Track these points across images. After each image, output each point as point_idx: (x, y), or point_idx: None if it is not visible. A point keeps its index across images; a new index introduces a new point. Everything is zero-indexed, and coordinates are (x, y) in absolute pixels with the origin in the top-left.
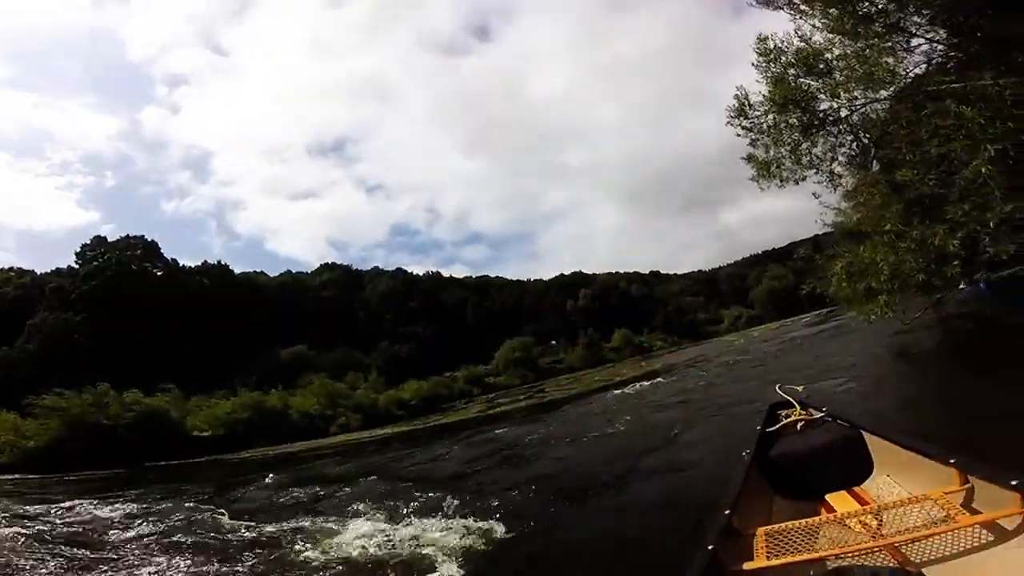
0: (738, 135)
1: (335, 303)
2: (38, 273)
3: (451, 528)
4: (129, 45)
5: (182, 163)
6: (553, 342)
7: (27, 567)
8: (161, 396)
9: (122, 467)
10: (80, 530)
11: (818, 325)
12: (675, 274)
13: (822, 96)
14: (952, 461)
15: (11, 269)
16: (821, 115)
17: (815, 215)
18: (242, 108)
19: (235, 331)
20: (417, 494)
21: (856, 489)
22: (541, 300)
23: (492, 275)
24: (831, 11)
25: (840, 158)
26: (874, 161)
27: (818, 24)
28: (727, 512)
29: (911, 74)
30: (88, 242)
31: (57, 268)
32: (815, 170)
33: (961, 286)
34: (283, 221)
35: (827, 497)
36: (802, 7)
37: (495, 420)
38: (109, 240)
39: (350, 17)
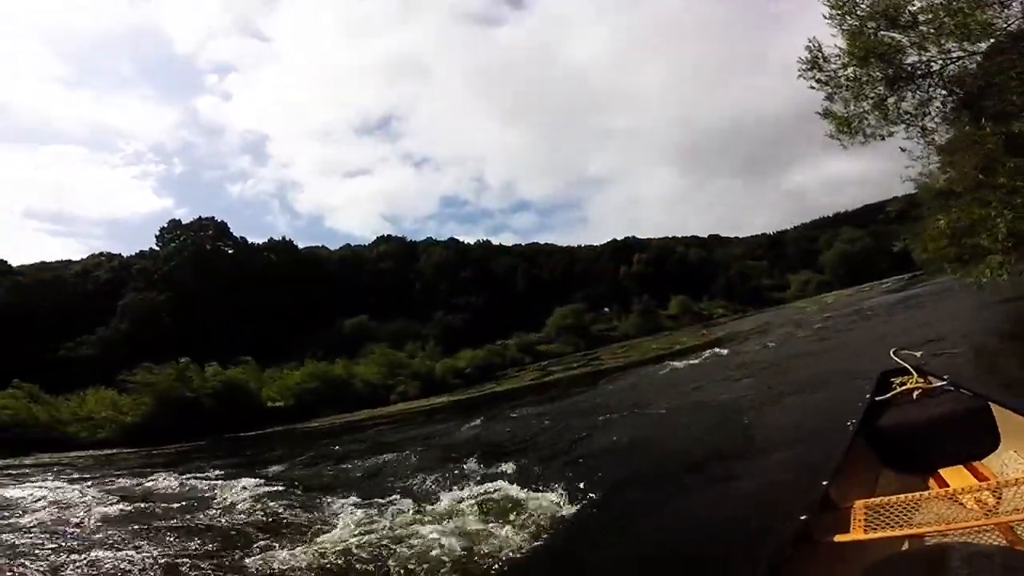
0: (811, 87)
1: (392, 274)
2: (124, 256)
3: (507, 502)
4: (172, 38)
5: (241, 148)
6: (606, 309)
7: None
8: (238, 368)
9: (204, 439)
10: (150, 504)
11: (904, 291)
12: (736, 237)
13: (909, 49)
14: None
15: (101, 254)
16: (909, 68)
17: (895, 176)
18: (289, 92)
19: (301, 304)
20: (474, 464)
21: (976, 464)
22: (592, 266)
23: (542, 242)
24: None
25: (932, 113)
26: (974, 116)
27: None
28: (824, 484)
29: (1011, 27)
30: (165, 225)
31: (141, 251)
32: (904, 125)
33: None
34: (339, 198)
35: (942, 471)
36: None
37: (549, 388)
38: (184, 223)
39: None
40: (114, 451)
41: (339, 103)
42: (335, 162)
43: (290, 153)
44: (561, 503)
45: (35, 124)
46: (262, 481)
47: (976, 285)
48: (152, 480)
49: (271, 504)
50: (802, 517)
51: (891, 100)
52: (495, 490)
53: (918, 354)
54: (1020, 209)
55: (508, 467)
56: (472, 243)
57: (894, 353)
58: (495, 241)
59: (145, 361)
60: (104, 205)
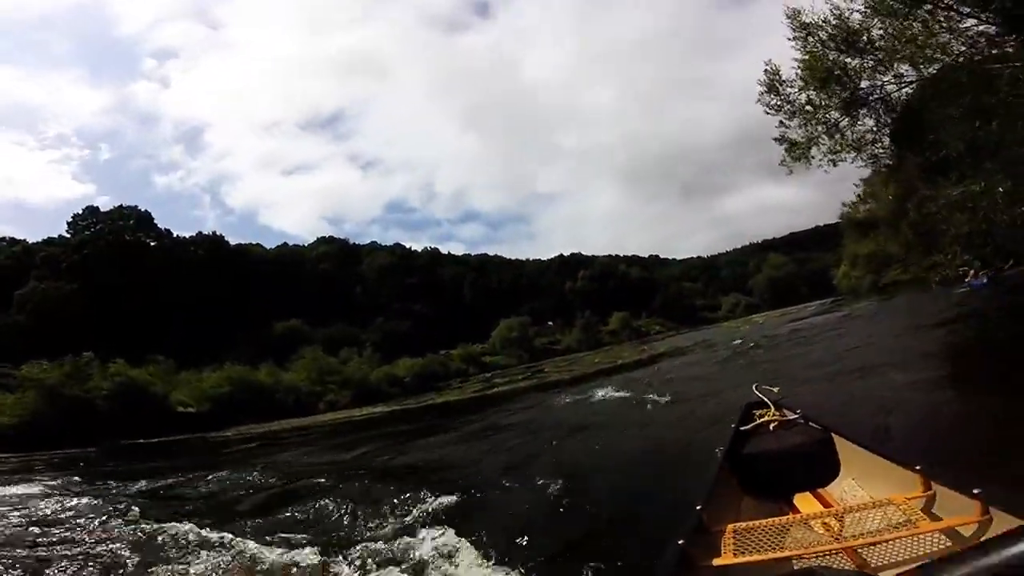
0: (767, 113)
1: (332, 277)
2: (29, 242)
3: (430, 535)
4: (118, 17)
5: (174, 137)
6: (549, 323)
7: None
8: (147, 368)
9: (96, 445)
10: None
11: (827, 313)
12: (674, 259)
13: (865, 74)
14: (917, 468)
15: (2, 238)
16: (864, 93)
17: (819, 205)
18: (235, 82)
19: (230, 304)
20: (400, 488)
21: (821, 491)
22: (539, 280)
23: (491, 254)
24: None
25: (882, 140)
26: (908, 142)
27: (857, 4)
28: (699, 508)
29: (959, 55)
30: (80, 212)
31: (48, 237)
32: (855, 151)
33: (967, 280)
34: (277, 196)
35: (794, 498)
36: None
37: (492, 401)
38: (102, 210)
39: None
40: None
41: (287, 97)
42: (276, 157)
43: (228, 145)
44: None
45: None
46: (123, 499)
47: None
48: None
49: (114, 528)
50: (679, 542)
51: (844, 124)
52: (414, 540)
53: (775, 389)
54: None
55: (434, 503)
56: (419, 250)
57: (756, 388)
58: (443, 250)
59: (50, 357)
60: (11, 189)
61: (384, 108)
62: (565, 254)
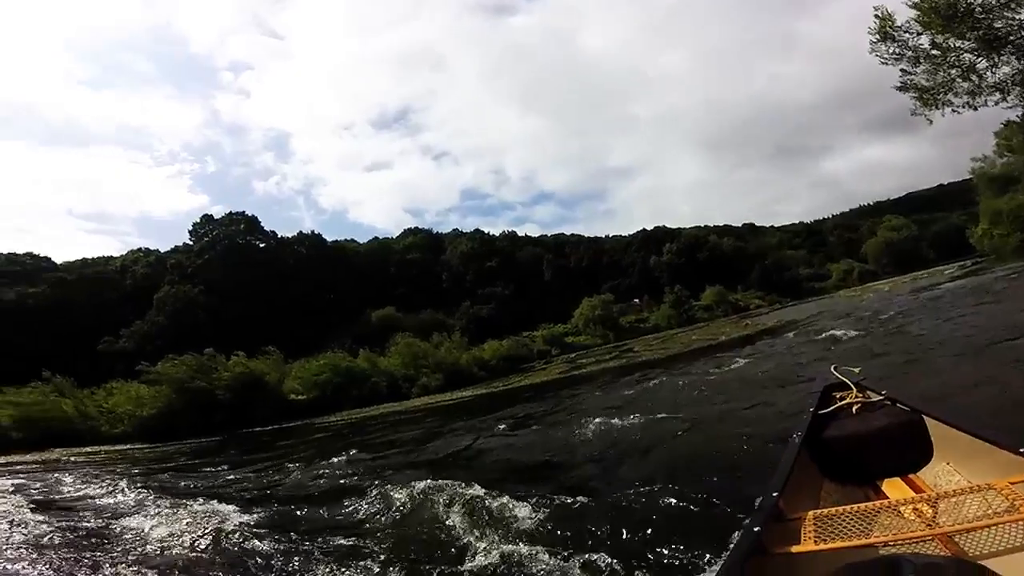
0: (883, 63)
1: (419, 266)
2: (161, 252)
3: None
4: (187, 37)
5: (264, 145)
6: (635, 300)
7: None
8: (262, 359)
9: (220, 434)
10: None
11: (970, 276)
12: (772, 227)
13: (997, 11)
14: (1022, 450)
15: (140, 250)
16: (1001, 31)
17: (937, 162)
18: (306, 88)
19: (331, 297)
20: (496, 477)
21: (912, 476)
22: (620, 257)
23: (567, 233)
24: None
25: None
26: None
27: None
28: (774, 495)
29: None
30: (198, 220)
31: (175, 246)
32: (999, 92)
33: None
34: (361, 192)
35: (881, 483)
36: None
37: (580, 382)
38: (215, 218)
39: None
40: (127, 447)
41: (355, 98)
42: (356, 156)
43: (312, 149)
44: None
45: (64, 125)
46: (235, 499)
47: None
48: (113, 486)
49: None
50: (755, 529)
51: (982, 65)
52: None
53: (856, 370)
54: None
55: (528, 488)
56: (497, 234)
57: (835, 369)
58: (520, 232)
59: (179, 353)
60: (140, 203)
61: (446, 99)
62: (648, 228)
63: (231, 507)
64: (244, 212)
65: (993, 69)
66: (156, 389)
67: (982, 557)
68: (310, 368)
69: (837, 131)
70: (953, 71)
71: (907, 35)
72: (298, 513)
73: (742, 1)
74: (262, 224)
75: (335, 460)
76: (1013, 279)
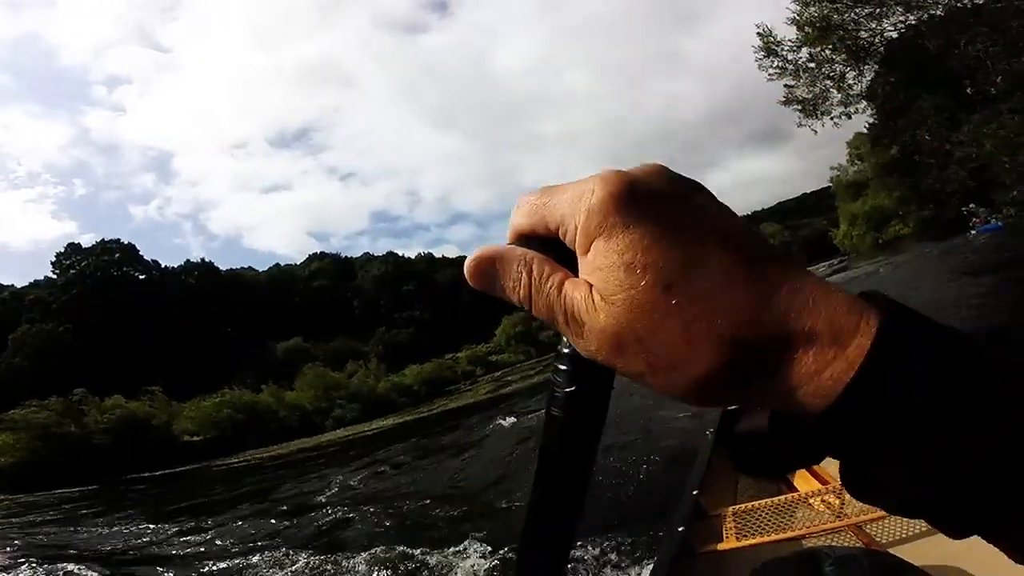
0: (769, 79)
1: (327, 293)
2: (17, 287)
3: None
4: (58, 48)
5: (142, 165)
6: None
7: None
8: (144, 400)
9: (97, 482)
10: None
11: (841, 271)
12: None
13: (862, 23)
14: None
15: None
16: (865, 42)
17: (802, 172)
18: (194, 104)
19: (227, 330)
20: (414, 514)
21: (817, 468)
22: None
23: None
24: None
25: (891, 87)
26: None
27: None
28: (694, 492)
29: None
30: (62, 250)
31: (35, 280)
32: (867, 100)
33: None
34: (258, 216)
35: (791, 477)
36: None
37: (507, 400)
38: (85, 247)
39: (295, 2)
40: None
41: (251, 114)
42: (251, 177)
43: (200, 169)
44: None
45: None
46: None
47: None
48: None
49: None
50: (679, 529)
51: (851, 75)
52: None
53: None
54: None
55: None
56: (413, 256)
57: None
58: (437, 253)
59: (43, 397)
60: None
61: (354, 117)
62: None
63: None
64: (119, 240)
65: (859, 78)
66: (15, 436)
67: (891, 544)
68: (205, 407)
69: (719, 147)
70: (828, 81)
71: (788, 51)
72: None
73: (635, 20)
74: (141, 253)
75: (219, 512)
76: (874, 274)
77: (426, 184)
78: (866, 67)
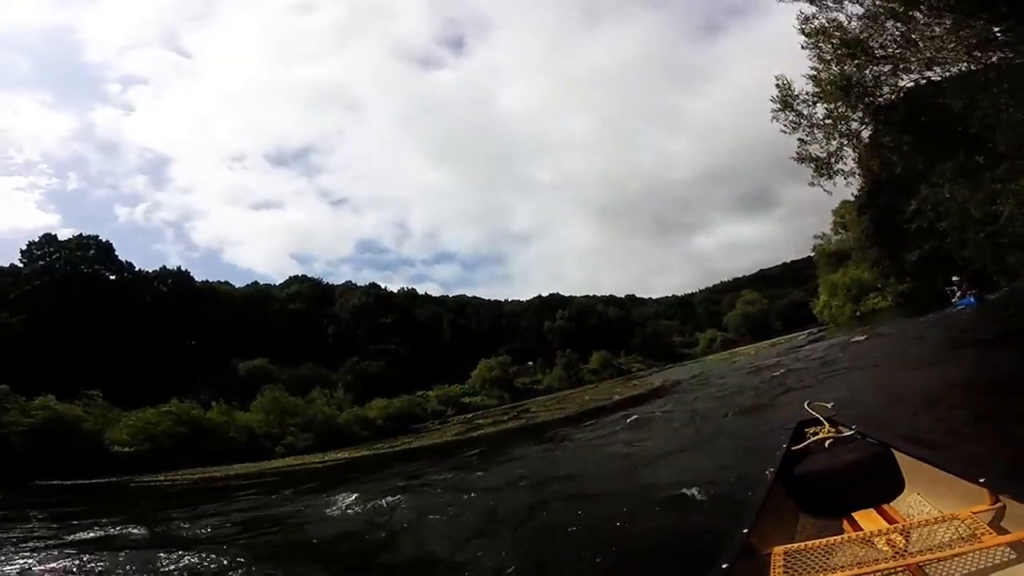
0: (783, 131)
1: (303, 317)
2: None
3: None
4: (89, 43)
5: (138, 167)
6: (530, 363)
7: None
8: (78, 404)
9: (4, 487)
10: None
11: (818, 341)
12: (650, 298)
13: (882, 80)
14: (982, 480)
15: None
16: (884, 101)
17: (786, 240)
18: (203, 112)
19: (191, 342)
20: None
21: (885, 507)
22: (518, 321)
23: (469, 295)
24: None
25: (904, 148)
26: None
27: (856, 11)
28: (744, 531)
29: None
30: (36, 240)
31: None
32: (857, 167)
33: (953, 301)
34: (244, 232)
35: (855, 515)
36: None
37: (477, 444)
38: (60, 239)
39: (319, 23)
40: None
41: (255, 128)
42: (243, 192)
43: (193, 178)
44: None
45: None
46: None
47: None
48: None
49: None
50: (723, 566)
51: (865, 133)
52: None
53: (829, 405)
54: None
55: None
56: (395, 291)
57: (808, 405)
58: (420, 290)
59: None
60: None
61: (355, 143)
62: (544, 294)
63: None
64: (97, 237)
65: (872, 136)
66: None
67: None
68: (145, 417)
69: (708, 208)
70: (843, 139)
71: (802, 104)
72: None
73: (640, 74)
74: (117, 254)
75: (105, 531)
76: (855, 342)
77: (416, 218)
78: (880, 126)
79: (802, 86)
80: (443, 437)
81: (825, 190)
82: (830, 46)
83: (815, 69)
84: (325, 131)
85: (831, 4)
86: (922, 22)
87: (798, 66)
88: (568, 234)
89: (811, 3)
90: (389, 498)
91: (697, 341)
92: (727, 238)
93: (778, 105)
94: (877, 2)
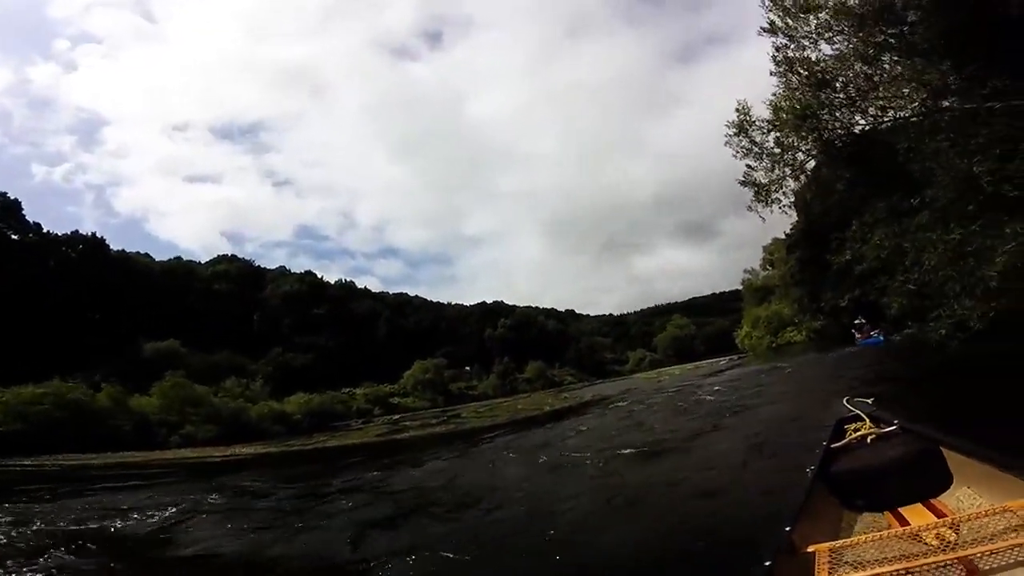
0: (734, 155)
1: (228, 299)
2: None
3: None
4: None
5: (68, 127)
6: (467, 368)
7: None
8: None
9: None
10: None
11: (735, 368)
12: (589, 314)
13: (836, 115)
14: None
15: None
16: (833, 136)
17: (718, 270)
18: (154, 78)
19: (95, 316)
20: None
21: (934, 501)
22: (459, 325)
23: (411, 294)
24: (853, 39)
25: (841, 185)
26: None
27: (827, 49)
28: (787, 529)
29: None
30: None
31: None
32: (793, 205)
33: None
34: (173, 203)
35: (901, 510)
36: (812, 34)
37: (399, 448)
38: None
39: (306, 3)
40: None
41: (208, 100)
42: (181, 162)
43: (129, 142)
44: None
45: None
46: None
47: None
48: None
49: None
50: (766, 564)
51: (810, 166)
52: None
53: (869, 401)
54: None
55: None
56: (332, 281)
57: (847, 401)
58: (359, 284)
59: None
60: None
61: (313, 126)
62: (488, 301)
63: None
64: (5, 194)
65: (815, 170)
66: None
67: None
68: (22, 395)
69: (655, 232)
70: (787, 169)
71: (757, 131)
72: None
73: (614, 93)
74: (24, 214)
75: None
76: (768, 370)
77: (364, 209)
78: (824, 161)
79: (760, 112)
80: (363, 438)
81: (760, 216)
82: (796, 77)
83: (776, 96)
84: (284, 111)
85: (806, 43)
86: (887, 65)
87: (764, 100)
88: (520, 244)
89: (789, 39)
90: (263, 502)
91: (627, 359)
92: (667, 263)
93: (734, 129)
94: (850, 43)
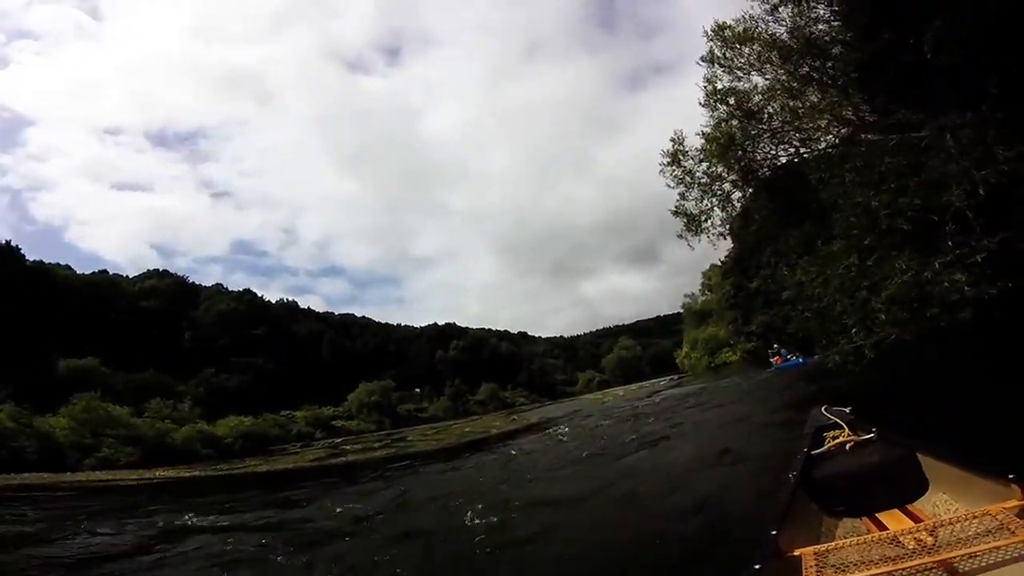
0: (668, 185)
1: (157, 316)
2: None
3: None
4: None
5: None
6: (417, 390)
7: None
8: None
9: None
10: None
11: (678, 388)
12: (540, 336)
13: (759, 146)
14: (1011, 476)
15: None
16: (756, 165)
17: (661, 294)
18: (89, 79)
19: (11, 331)
20: None
21: (910, 507)
22: (409, 347)
23: (358, 315)
24: (780, 70)
25: (763, 215)
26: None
27: (757, 82)
28: (773, 533)
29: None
30: None
31: None
32: (729, 234)
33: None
34: (98, 211)
35: (879, 516)
36: (746, 65)
37: (334, 472)
38: None
39: (257, 6)
40: None
41: (145, 103)
42: (109, 168)
43: (53, 145)
44: None
45: None
46: None
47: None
48: None
49: None
50: (755, 567)
51: (736, 196)
52: None
53: (847, 409)
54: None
55: None
56: (273, 300)
57: (825, 409)
58: (301, 303)
59: None
60: None
61: (256, 136)
62: (440, 323)
63: None
64: None
65: (741, 200)
66: None
67: None
68: None
69: (601, 256)
70: (715, 199)
71: (690, 161)
72: None
73: (565, 114)
74: None
75: None
76: (701, 388)
77: (307, 225)
78: (750, 192)
79: (695, 143)
80: (298, 462)
81: (689, 245)
82: (725, 108)
83: (707, 127)
84: (226, 118)
85: (740, 74)
86: (813, 98)
87: (697, 131)
88: (471, 265)
89: (727, 71)
90: (169, 527)
91: (577, 380)
92: (614, 287)
93: (668, 159)
94: (777, 76)
